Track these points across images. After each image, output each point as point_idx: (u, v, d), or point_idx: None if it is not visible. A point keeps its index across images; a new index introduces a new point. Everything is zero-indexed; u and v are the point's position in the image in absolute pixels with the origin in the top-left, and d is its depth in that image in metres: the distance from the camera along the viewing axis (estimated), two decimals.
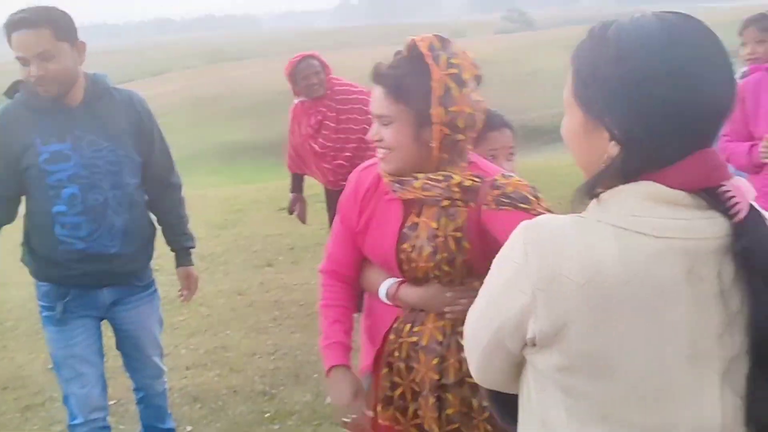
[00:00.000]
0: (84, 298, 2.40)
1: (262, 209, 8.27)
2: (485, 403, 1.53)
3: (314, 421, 3.18)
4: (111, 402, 3.21)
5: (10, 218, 2.40)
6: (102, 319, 2.53)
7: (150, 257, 2.57)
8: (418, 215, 1.60)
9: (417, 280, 1.64)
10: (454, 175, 1.54)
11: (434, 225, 1.57)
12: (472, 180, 1.54)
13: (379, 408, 1.73)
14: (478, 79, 1.55)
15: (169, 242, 2.69)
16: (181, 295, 2.77)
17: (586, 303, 0.85)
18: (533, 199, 1.51)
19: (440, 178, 1.54)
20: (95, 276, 2.36)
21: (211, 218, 7.79)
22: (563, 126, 0.98)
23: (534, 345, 0.91)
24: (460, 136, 1.52)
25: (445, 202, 1.55)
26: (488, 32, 55.53)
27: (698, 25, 0.90)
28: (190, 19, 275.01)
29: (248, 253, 6.41)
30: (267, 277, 5.48)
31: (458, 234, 1.55)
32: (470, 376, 1.23)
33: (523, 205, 1.47)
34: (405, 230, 1.61)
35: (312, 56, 3.99)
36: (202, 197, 9.29)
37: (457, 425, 1.62)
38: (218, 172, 15.49)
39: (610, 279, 0.84)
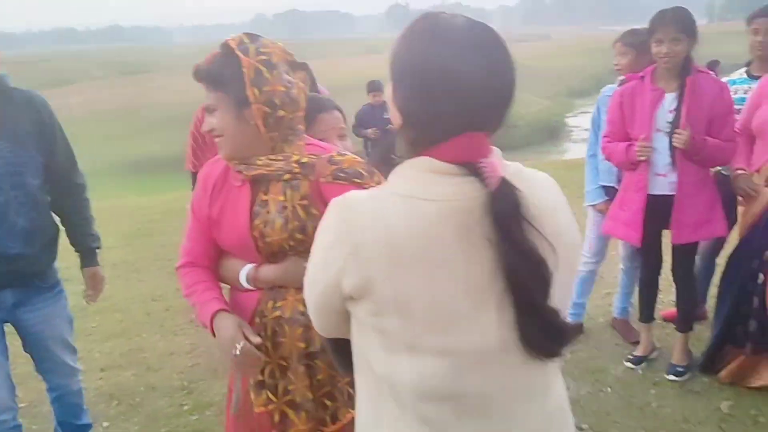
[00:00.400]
0: None
1: (175, 219, 8.20)
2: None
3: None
4: (23, 405, 3.22)
5: None
6: (5, 322, 2.47)
7: (54, 258, 2.53)
8: (266, 193, 1.68)
9: (274, 256, 1.70)
10: (292, 155, 1.67)
11: (281, 198, 1.66)
12: (310, 157, 1.67)
13: (252, 397, 1.77)
14: (292, 64, 1.69)
15: (73, 243, 2.65)
16: (87, 296, 2.72)
17: (385, 259, 1.03)
18: (366, 174, 1.65)
19: (280, 157, 1.66)
20: None
21: (122, 228, 7.68)
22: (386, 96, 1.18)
23: (352, 298, 1.09)
24: (281, 112, 1.63)
25: (287, 176, 1.65)
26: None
27: (480, 30, 1.07)
28: (95, 29, 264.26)
29: (163, 261, 6.36)
30: None
31: (305, 202, 1.65)
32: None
33: (357, 180, 1.62)
34: (255, 208, 1.68)
35: None
36: (113, 208, 9.12)
37: (328, 389, 1.73)
38: (128, 184, 15.10)
39: (401, 238, 1.03)
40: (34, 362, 2.62)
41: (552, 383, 1.19)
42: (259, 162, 1.66)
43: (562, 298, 1.15)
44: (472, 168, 1.04)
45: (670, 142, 2.99)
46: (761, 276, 2.96)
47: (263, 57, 1.63)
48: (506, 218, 1.02)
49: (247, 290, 1.73)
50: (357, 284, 1.05)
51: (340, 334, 1.20)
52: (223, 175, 1.74)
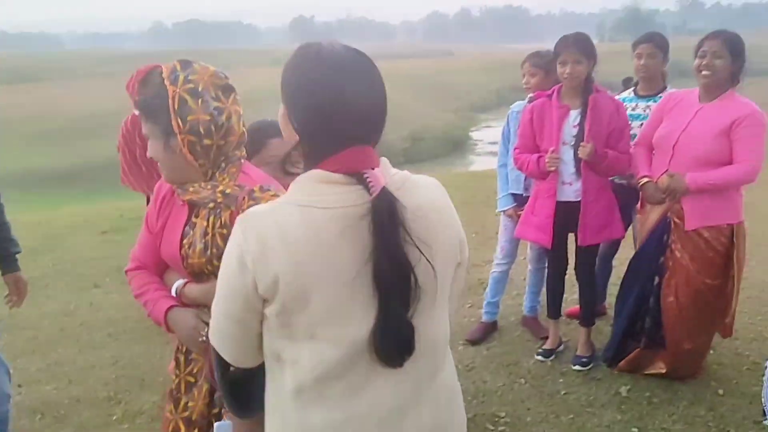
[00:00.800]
0: None
1: (80, 233, 7.95)
2: None
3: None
4: None
5: None
6: None
7: None
8: (196, 216, 1.77)
9: (197, 276, 1.77)
10: (221, 184, 1.72)
11: (205, 223, 1.74)
12: (234, 188, 1.72)
13: (166, 402, 1.91)
14: (224, 88, 1.71)
15: None
16: (10, 302, 2.69)
17: (286, 262, 1.18)
18: None
19: (209, 186, 1.72)
20: None
21: (24, 243, 7.35)
22: (279, 117, 1.33)
23: (266, 301, 1.22)
24: (206, 141, 1.67)
25: (211, 204, 1.72)
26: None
27: (356, 55, 1.25)
28: None
29: (72, 276, 6.18)
30: (96, 299, 5.35)
31: (224, 231, 1.70)
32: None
33: None
34: (186, 229, 1.77)
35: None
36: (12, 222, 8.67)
37: (218, 410, 1.78)
38: (24, 198, 14.31)
39: (298, 242, 1.18)
40: None
41: (440, 370, 1.36)
42: (190, 188, 1.74)
43: (454, 290, 1.40)
44: (359, 177, 1.20)
45: (575, 153, 3.31)
46: (656, 278, 3.33)
47: (190, 85, 1.66)
48: (382, 224, 1.18)
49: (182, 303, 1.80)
50: (267, 284, 1.19)
51: (249, 356, 1.32)
52: (172, 192, 1.82)
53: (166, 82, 1.66)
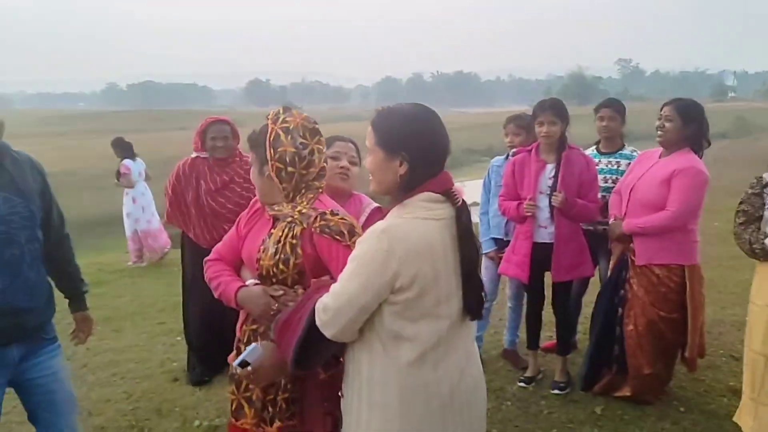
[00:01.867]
0: None
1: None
2: (288, 384, 2.12)
3: None
4: None
5: None
6: (8, 383, 2.44)
7: (54, 310, 2.57)
8: (274, 228, 2.17)
9: (264, 279, 2.13)
10: (299, 205, 2.12)
11: (280, 233, 2.12)
12: (309, 210, 2.11)
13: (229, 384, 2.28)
14: (311, 130, 2.12)
15: (64, 290, 2.76)
16: (76, 338, 2.84)
17: (424, 260, 1.69)
18: (346, 233, 2.05)
19: (290, 206, 2.13)
20: (5, 332, 2.34)
21: None
22: (368, 163, 1.83)
23: (399, 290, 1.69)
24: (290, 169, 2.08)
25: (288, 219, 2.11)
26: (264, 122, 57.08)
27: (431, 110, 1.82)
28: None
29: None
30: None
31: (294, 241, 2.08)
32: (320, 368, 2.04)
33: (337, 237, 2.03)
34: (265, 237, 2.17)
35: (225, 121, 4.25)
36: None
37: (272, 396, 2.15)
38: None
39: (427, 246, 1.70)
40: (37, 421, 2.55)
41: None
42: (276, 207, 2.17)
43: None
44: (449, 194, 1.77)
45: (550, 201, 3.83)
46: (619, 309, 3.81)
47: (285, 125, 2.09)
48: (466, 225, 1.77)
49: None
50: (408, 278, 1.67)
51: (351, 333, 1.78)
52: (262, 207, 2.26)
53: (269, 121, 2.12)
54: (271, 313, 2.06)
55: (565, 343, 4.18)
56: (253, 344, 2.06)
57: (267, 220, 2.22)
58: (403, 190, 1.77)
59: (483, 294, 1.82)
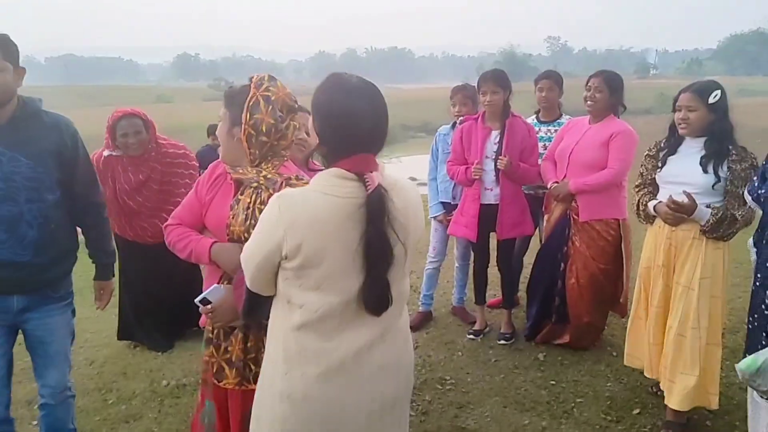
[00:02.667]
0: None
1: None
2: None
3: (157, 399, 3.72)
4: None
5: None
6: (13, 327, 2.61)
7: (67, 270, 2.66)
8: (241, 193, 2.19)
9: (234, 243, 2.16)
10: (264, 170, 2.16)
11: (248, 200, 2.15)
12: (274, 174, 2.15)
13: (202, 347, 2.34)
14: (289, 107, 2.17)
15: (90, 256, 2.84)
16: (97, 306, 2.93)
17: (309, 231, 1.65)
18: None
19: (254, 170, 2.16)
20: (5, 282, 2.48)
21: None
22: (309, 125, 1.79)
23: (286, 258, 1.69)
24: (263, 138, 2.11)
25: (254, 184, 2.15)
26: (197, 99, 55.71)
27: (370, 86, 1.74)
28: None
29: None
30: None
31: (262, 207, 2.07)
32: (266, 320, 2.04)
33: None
34: (232, 202, 2.20)
35: (135, 114, 3.98)
36: None
37: (253, 355, 2.22)
38: None
39: (318, 219, 1.65)
40: (33, 364, 2.72)
41: (400, 317, 1.90)
42: (239, 170, 2.19)
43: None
44: (361, 177, 1.69)
45: (495, 165, 4.11)
46: (562, 264, 4.15)
47: (267, 93, 2.11)
48: (373, 213, 1.67)
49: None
50: (292, 247, 1.67)
51: (267, 288, 1.84)
52: (224, 172, 2.30)
53: (251, 85, 2.14)
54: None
55: (509, 298, 4.51)
56: (215, 284, 2.18)
57: (230, 184, 2.26)
58: (322, 163, 1.82)
59: (386, 292, 1.74)
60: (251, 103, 2.11)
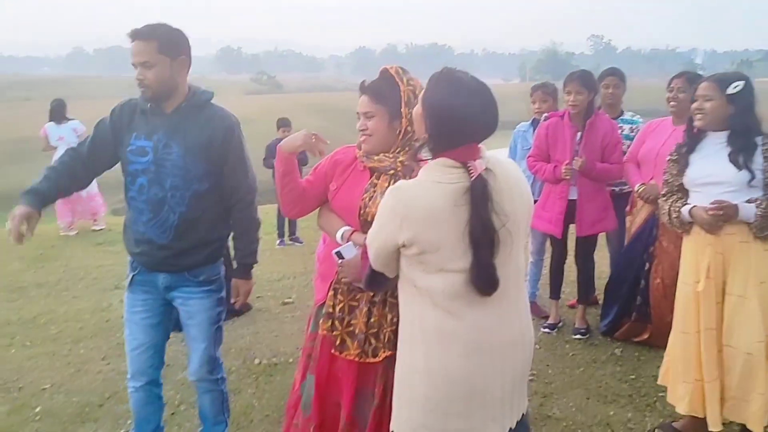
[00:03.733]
0: (145, 276, 2.72)
1: (68, 247, 8.28)
2: (394, 318, 2.27)
3: (252, 376, 3.91)
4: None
5: (84, 183, 2.73)
6: (169, 302, 2.76)
7: (210, 258, 2.74)
8: (377, 179, 2.33)
9: (366, 225, 2.21)
10: (400, 156, 2.30)
11: (386, 184, 2.28)
12: (410, 162, 2.26)
13: (321, 322, 2.41)
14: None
15: (234, 251, 2.89)
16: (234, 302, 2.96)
17: (423, 220, 1.77)
18: None
19: (391, 156, 2.30)
20: (150, 258, 2.67)
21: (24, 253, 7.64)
22: (414, 112, 1.95)
23: (404, 246, 1.82)
24: (410, 129, 2.28)
25: (392, 171, 2.30)
26: (238, 92, 56.46)
27: (480, 83, 1.83)
28: None
29: (87, 279, 6.61)
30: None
31: None
32: (391, 298, 2.25)
33: None
34: (366, 186, 2.34)
35: None
36: None
37: (375, 330, 2.33)
38: None
39: (431, 207, 1.77)
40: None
41: (521, 293, 2.01)
42: (375, 158, 2.34)
43: (524, 247, 1.99)
44: (465, 165, 1.80)
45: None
46: (647, 264, 4.18)
47: (411, 87, 2.29)
48: (476, 197, 1.77)
49: (338, 244, 2.37)
50: (408, 237, 1.80)
51: (388, 270, 1.98)
52: (352, 160, 2.44)
53: (396, 78, 2.29)
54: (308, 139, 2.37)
55: (586, 293, 4.59)
56: (350, 243, 2.32)
57: (362, 172, 2.38)
58: (428, 150, 1.90)
59: (492, 273, 1.81)
60: (406, 99, 2.26)
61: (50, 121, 8.64)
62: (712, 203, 2.90)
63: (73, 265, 7.24)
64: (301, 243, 8.28)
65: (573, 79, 4.22)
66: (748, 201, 2.87)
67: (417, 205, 1.79)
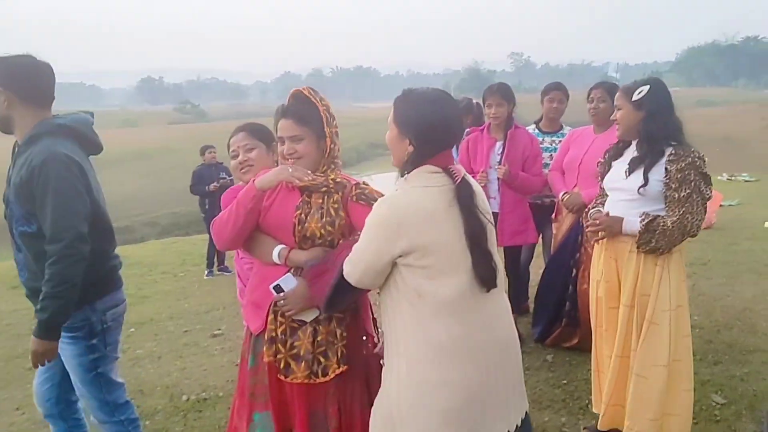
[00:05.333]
0: None
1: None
2: (343, 333, 2.28)
3: (180, 413, 3.75)
4: None
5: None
6: None
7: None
8: (309, 197, 2.32)
9: (304, 242, 2.28)
10: (330, 174, 2.33)
11: (320, 201, 2.31)
12: (341, 179, 2.34)
13: (265, 350, 2.31)
14: (333, 115, 2.36)
15: None
16: None
17: (418, 225, 1.84)
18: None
19: (322, 175, 2.32)
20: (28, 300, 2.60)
21: None
22: (387, 137, 2.02)
23: (401, 255, 1.88)
24: (333, 146, 2.34)
25: (324, 189, 2.31)
26: (162, 122, 55.29)
27: (446, 97, 1.97)
28: None
29: (0, 325, 6.23)
30: None
31: (336, 206, 2.30)
32: (337, 313, 2.24)
33: (372, 203, 2.08)
34: (299, 203, 2.32)
35: None
36: None
37: (324, 348, 2.28)
38: None
39: (424, 211, 1.86)
40: None
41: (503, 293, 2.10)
42: (306, 178, 2.28)
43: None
44: (448, 170, 1.94)
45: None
46: (574, 270, 4.23)
47: (325, 106, 2.33)
48: (464, 199, 1.91)
49: (275, 265, 2.32)
50: (407, 244, 1.86)
51: (375, 285, 2.01)
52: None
53: (313, 99, 2.31)
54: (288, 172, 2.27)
55: (517, 303, 4.64)
56: (289, 274, 2.27)
57: (290, 191, 2.36)
58: (409, 165, 1.96)
59: (493, 264, 1.94)
60: (327, 118, 2.31)
61: None
62: (591, 216, 3.03)
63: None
64: (230, 272, 8.08)
65: (493, 92, 4.29)
66: (644, 214, 2.84)
67: (413, 211, 1.87)
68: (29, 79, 2.48)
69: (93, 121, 2.69)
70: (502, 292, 2.06)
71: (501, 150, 4.29)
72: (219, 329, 5.57)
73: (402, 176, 1.99)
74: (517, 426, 2.02)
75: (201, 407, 3.84)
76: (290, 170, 2.25)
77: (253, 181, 2.31)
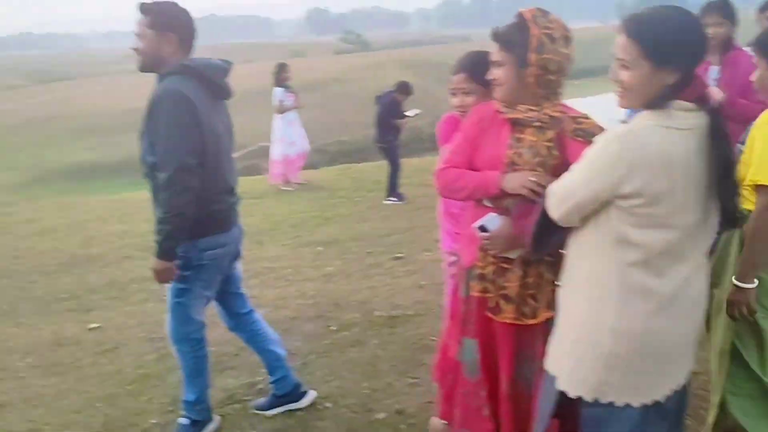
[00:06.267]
0: None
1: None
2: (552, 278, 2.14)
3: (374, 328, 4.02)
4: None
5: None
6: None
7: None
8: (521, 132, 2.16)
9: None
10: (544, 108, 2.14)
11: (533, 138, 2.14)
12: (558, 113, 2.13)
13: (472, 284, 2.28)
14: (567, 39, 2.11)
15: None
16: None
17: (657, 172, 1.63)
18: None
19: (536, 108, 2.13)
20: None
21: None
22: (628, 78, 1.71)
23: (622, 197, 1.67)
24: (551, 77, 2.10)
25: (537, 124, 2.13)
26: (327, 53, 56.71)
27: (691, 12, 1.72)
28: (5, 36, 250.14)
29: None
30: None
31: (549, 144, 2.13)
32: (547, 256, 2.11)
33: (591, 140, 1.85)
34: (510, 141, 2.18)
35: None
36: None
37: (533, 291, 2.20)
38: (71, 190, 14.41)
39: (669, 156, 1.64)
40: None
41: None
42: (519, 108, 2.16)
43: None
44: (703, 101, 1.69)
45: None
46: None
47: (547, 31, 2.08)
48: (719, 129, 1.69)
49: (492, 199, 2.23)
50: (636, 187, 1.65)
51: (577, 223, 1.86)
52: (492, 113, 2.25)
53: (528, 22, 2.09)
54: (529, 182, 2.13)
55: None
56: (493, 214, 2.20)
57: (502, 124, 2.22)
58: (662, 99, 1.70)
59: (736, 199, 1.78)
60: (536, 44, 2.08)
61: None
62: None
63: None
64: (405, 200, 8.25)
65: (711, 10, 3.89)
66: None
67: (651, 152, 1.65)
68: (189, 24, 2.73)
69: (227, 68, 2.82)
70: (703, 253, 1.86)
71: (716, 75, 3.91)
72: (400, 253, 5.77)
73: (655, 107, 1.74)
74: (678, 385, 1.89)
75: (393, 324, 4.05)
76: (533, 179, 2.11)
77: (500, 177, 2.18)
